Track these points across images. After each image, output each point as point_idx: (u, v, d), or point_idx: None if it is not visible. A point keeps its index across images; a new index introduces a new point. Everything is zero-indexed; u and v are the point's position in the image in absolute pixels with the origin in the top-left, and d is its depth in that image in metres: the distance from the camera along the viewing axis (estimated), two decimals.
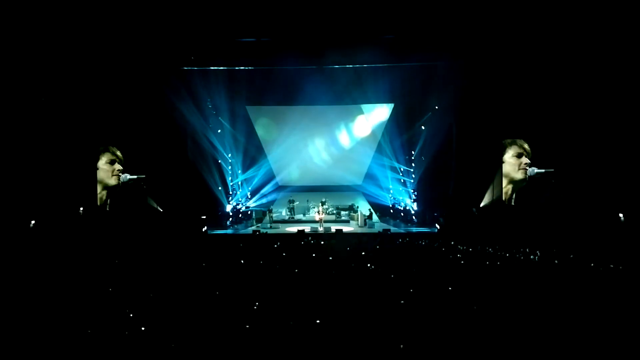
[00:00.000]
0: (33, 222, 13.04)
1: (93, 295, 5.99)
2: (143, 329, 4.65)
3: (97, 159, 15.02)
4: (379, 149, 19.13)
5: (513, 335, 4.44)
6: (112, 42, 13.33)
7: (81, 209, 14.44)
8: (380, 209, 18.99)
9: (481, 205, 15.00)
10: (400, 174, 18.39)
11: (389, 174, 18.76)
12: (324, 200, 18.54)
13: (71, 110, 14.10)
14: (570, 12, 11.87)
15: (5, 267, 8.40)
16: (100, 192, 15.07)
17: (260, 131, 18.98)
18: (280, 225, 16.92)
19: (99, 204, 15.02)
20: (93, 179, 14.92)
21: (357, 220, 17.11)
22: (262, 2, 12.44)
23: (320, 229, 15.38)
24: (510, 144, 13.14)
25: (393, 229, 15.26)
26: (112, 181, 15.08)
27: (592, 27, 12.04)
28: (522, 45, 13.29)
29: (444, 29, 13.12)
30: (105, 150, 15.07)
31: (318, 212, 16.48)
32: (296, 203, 18.67)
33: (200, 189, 16.26)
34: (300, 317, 4.98)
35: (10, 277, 7.37)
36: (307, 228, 15.24)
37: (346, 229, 15.46)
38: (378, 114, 18.73)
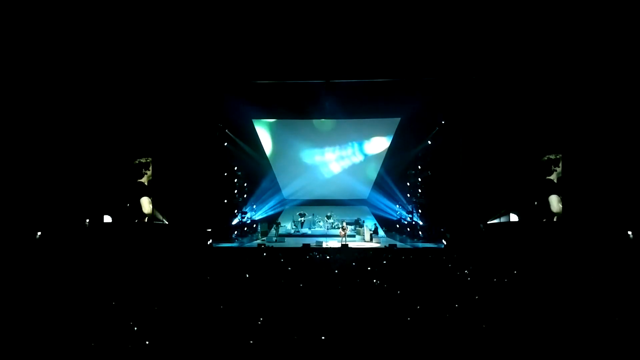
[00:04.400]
0: (39, 233, 13.08)
1: (97, 308, 5.98)
2: (147, 342, 4.63)
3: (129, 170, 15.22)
4: (386, 163, 19.12)
5: (521, 354, 4.36)
6: (114, 46, 13.26)
7: (87, 221, 14.47)
8: (387, 224, 18.92)
9: (488, 222, 14.89)
10: (407, 189, 18.34)
11: (395, 188, 18.72)
12: (329, 214, 18.47)
13: (78, 117, 14.10)
14: (586, 23, 11.75)
15: (10, 278, 8.42)
16: (149, 205, 15.17)
17: (266, 144, 19.06)
18: (285, 239, 16.88)
19: (147, 216, 15.18)
20: (99, 191, 14.91)
21: (363, 235, 17.01)
22: (268, 17, 12.49)
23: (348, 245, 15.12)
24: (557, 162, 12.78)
25: (399, 244, 15.15)
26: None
27: (611, 38, 11.90)
28: (533, 58, 13.26)
29: (453, 46, 13.14)
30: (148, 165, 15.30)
31: (342, 227, 16.23)
32: (307, 217, 18.63)
33: (206, 202, 16.23)
34: (305, 332, 4.94)
35: (15, 288, 7.38)
36: (312, 243, 15.17)
37: (352, 243, 15.37)
38: (384, 128, 18.76)
